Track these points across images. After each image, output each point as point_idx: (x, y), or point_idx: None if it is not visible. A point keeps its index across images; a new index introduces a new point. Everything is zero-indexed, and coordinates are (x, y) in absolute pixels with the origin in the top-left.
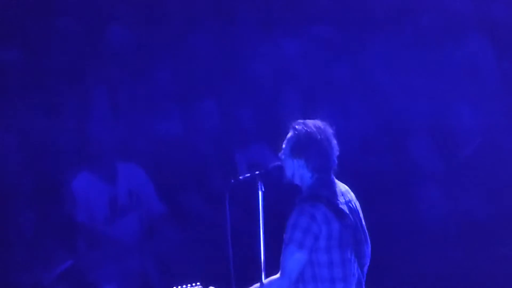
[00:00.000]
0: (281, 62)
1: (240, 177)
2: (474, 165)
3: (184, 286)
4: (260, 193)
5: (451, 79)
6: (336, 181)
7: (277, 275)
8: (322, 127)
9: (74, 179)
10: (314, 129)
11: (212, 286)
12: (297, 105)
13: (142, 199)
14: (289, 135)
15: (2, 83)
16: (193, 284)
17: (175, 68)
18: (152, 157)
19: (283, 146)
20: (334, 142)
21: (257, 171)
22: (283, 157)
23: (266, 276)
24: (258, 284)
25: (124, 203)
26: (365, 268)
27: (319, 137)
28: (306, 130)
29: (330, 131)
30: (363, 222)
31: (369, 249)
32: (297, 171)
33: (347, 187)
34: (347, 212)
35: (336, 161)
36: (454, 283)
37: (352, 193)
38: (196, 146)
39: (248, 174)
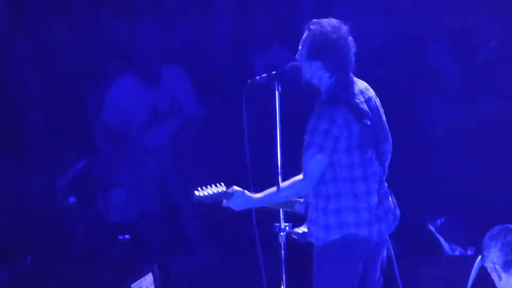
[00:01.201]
0: None
1: (257, 78)
2: (490, 69)
3: (208, 186)
4: (276, 93)
5: None
6: (355, 79)
7: (299, 176)
8: (337, 25)
9: (113, 81)
10: (329, 28)
11: (236, 186)
12: (313, 7)
13: (184, 105)
14: (304, 35)
15: None
16: (217, 185)
17: None
18: (169, 60)
19: (299, 47)
20: (350, 39)
21: (273, 71)
22: (300, 59)
23: (283, 178)
24: (275, 188)
25: (165, 110)
26: (386, 164)
27: (334, 36)
28: (321, 30)
29: (345, 28)
30: (384, 119)
31: (390, 145)
32: (315, 73)
33: (366, 84)
34: (367, 110)
35: (354, 59)
36: (470, 185)
37: (372, 90)
38: (213, 48)
39: (264, 75)
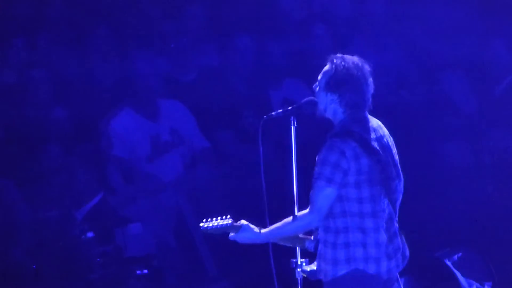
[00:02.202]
0: None
1: (273, 113)
2: (507, 102)
3: (214, 218)
4: (292, 128)
5: (486, 13)
6: (369, 116)
7: (307, 210)
8: (360, 64)
9: (115, 115)
10: (352, 65)
11: (244, 220)
12: (330, 40)
13: (184, 137)
14: (326, 68)
15: (43, 18)
16: (223, 217)
17: (210, 3)
18: (187, 92)
19: (319, 78)
20: (370, 80)
21: (289, 106)
22: (317, 89)
23: (299, 210)
24: (290, 218)
25: (165, 141)
26: (397, 204)
27: (356, 73)
28: (344, 65)
29: (367, 68)
30: (396, 158)
31: (401, 184)
32: (330, 106)
33: (380, 123)
34: (378, 148)
35: (371, 99)
36: (487, 219)
37: (385, 129)
38: (230, 82)
39: (281, 110)
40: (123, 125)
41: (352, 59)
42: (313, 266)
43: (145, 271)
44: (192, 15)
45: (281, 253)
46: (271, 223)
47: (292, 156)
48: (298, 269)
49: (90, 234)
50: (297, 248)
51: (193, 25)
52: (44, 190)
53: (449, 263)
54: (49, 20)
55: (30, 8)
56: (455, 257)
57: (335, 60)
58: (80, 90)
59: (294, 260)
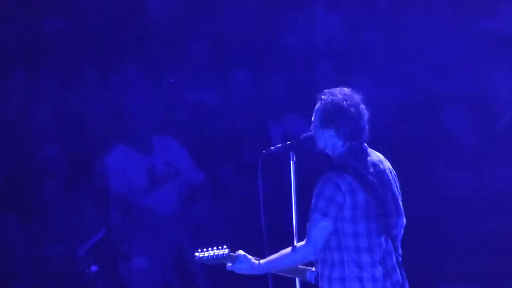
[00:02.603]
0: (315, 31)
1: (272, 148)
2: (507, 136)
3: (210, 249)
4: (291, 163)
5: (487, 47)
6: (370, 150)
7: (303, 242)
8: (349, 93)
9: (109, 151)
10: (340, 97)
11: (241, 251)
12: (330, 74)
13: (179, 170)
14: (317, 106)
15: (37, 54)
16: (220, 248)
17: (209, 38)
18: (186, 128)
19: (313, 117)
20: (362, 107)
21: (289, 141)
22: (313, 129)
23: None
24: (288, 249)
25: (161, 174)
26: (398, 239)
27: (345, 103)
28: (332, 99)
29: (357, 97)
30: (397, 193)
31: (402, 219)
32: (329, 141)
33: (381, 157)
34: (376, 182)
35: (367, 127)
36: (488, 253)
37: (386, 163)
38: (230, 117)
39: (280, 145)
40: (119, 160)
41: (340, 91)
42: None
43: None
44: (192, 51)
45: (281, 286)
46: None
47: (292, 191)
48: None
49: (94, 268)
50: (297, 279)
51: (193, 60)
52: (46, 226)
53: None
54: (45, 56)
55: (28, 45)
56: None
57: (323, 96)
58: (79, 126)
59: None
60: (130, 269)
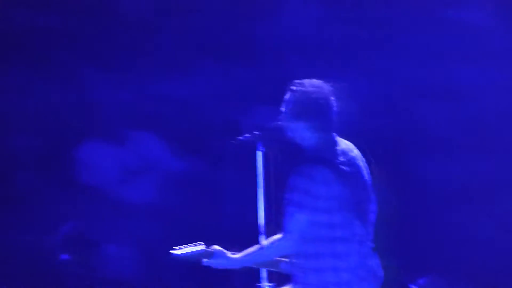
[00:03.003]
0: (284, 22)
1: (240, 138)
2: (477, 128)
3: (186, 246)
4: (259, 153)
5: (457, 39)
6: (339, 139)
7: (279, 235)
8: (320, 85)
9: (82, 143)
10: (311, 89)
11: (215, 245)
12: (299, 66)
13: (153, 162)
14: (287, 97)
15: (8, 47)
16: (196, 244)
17: (177, 30)
18: (155, 120)
19: (282, 108)
20: (332, 99)
21: (257, 131)
22: (283, 120)
23: (266, 235)
24: (255, 247)
25: (135, 166)
26: (371, 225)
27: (316, 96)
28: (303, 90)
29: (328, 88)
30: (368, 179)
31: (374, 205)
32: (299, 133)
33: (350, 145)
34: (349, 171)
35: (337, 118)
36: (456, 245)
37: (356, 151)
38: (199, 108)
39: (248, 135)
40: (91, 153)
41: (311, 82)
42: None
43: None
44: (160, 42)
45: (248, 276)
46: (240, 248)
47: (260, 180)
48: None
49: (65, 257)
50: (264, 271)
51: (161, 52)
52: (16, 216)
53: None
54: (16, 49)
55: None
56: (421, 281)
57: (294, 88)
58: (51, 118)
59: (259, 284)
60: (101, 258)
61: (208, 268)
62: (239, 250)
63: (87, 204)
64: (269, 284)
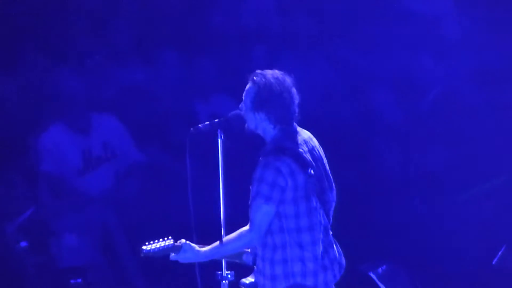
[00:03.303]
0: (245, 11)
1: (200, 126)
2: (433, 116)
3: (156, 241)
4: (219, 141)
5: (413, 27)
6: (299, 128)
7: (246, 228)
8: (281, 77)
9: (45, 130)
10: (273, 81)
11: (184, 240)
12: (260, 55)
13: (117, 150)
14: (248, 86)
15: None
16: (164, 239)
17: (136, 17)
18: (113, 107)
19: (243, 98)
20: (294, 90)
21: (216, 119)
22: (243, 109)
23: (226, 228)
24: (217, 242)
25: (98, 155)
26: (331, 213)
27: (278, 88)
28: (265, 82)
29: (289, 80)
30: (327, 168)
31: (334, 194)
32: (259, 124)
33: (309, 134)
34: (311, 160)
35: (297, 110)
36: (411, 233)
37: (315, 140)
38: (158, 96)
39: (208, 122)
40: (54, 139)
41: (273, 74)
42: (252, 279)
43: (79, 280)
44: (119, 29)
45: (207, 265)
46: (199, 239)
47: (219, 170)
48: (224, 281)
49: (23, 244)
50: (223, 260)
51: (119, 39)
52: None
53: (373, 276)
54: None
55: None
56: (379, 270)
57: (255, 78)
58: (11, 106)
59: (219, 272)
60: (60, 246)
61: (162, 257)
62: (199, 241)
63: (45, 191)
64: (228, 272)
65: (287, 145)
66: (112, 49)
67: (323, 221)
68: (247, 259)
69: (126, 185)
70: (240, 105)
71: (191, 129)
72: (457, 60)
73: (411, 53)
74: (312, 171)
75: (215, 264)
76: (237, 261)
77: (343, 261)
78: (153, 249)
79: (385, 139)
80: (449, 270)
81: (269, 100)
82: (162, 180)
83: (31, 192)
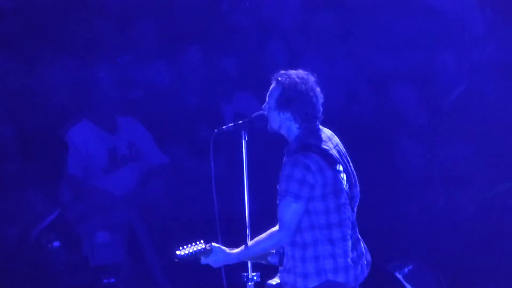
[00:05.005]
0: (267, 9)
1: (224, 127)
2: (456, 114)
3: (188, 245)
4: (243, 142)
5: (434, 26)
6: (321, 127)
7: (276, 228)
8: (305, 77)
9: (71, 128)
10: (298, 80)
11: (214, 243)
12: (281, 53)
13: (141, 151)
14: (272, 87)
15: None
16: (197, 242)
17: (159, 17)
18: (138, 107)
19: (267, 98)
20: (318, 90)
21: (240, 120)
22: (267, 109)
23: (251, 229)
24: (264, 235)
25: (124, 154)
26: (355, 209)
27: (304, 87)
28: (290, 82)
29: (313, 79)
30: (351, 164)
31: (358, 190)
32: (284, 123)
33: (331, 132)
34: (337, 156)
35: (321, 109)
36: (434, 230)
37: (336, 138)
38: (181, 96)
39: (231, 124)
40: (81, 135)
41: (297, 74)
42: (277, 280)
43: (112, 279)
44: (142, 29)
45: (233, 266)
46: (223, 238)
47: (244, 169)
48: (249, 283)
49: (56, 244)
50: (248, 262)
51: (144, 39)
52: (1, 207)
53: (399, 276)
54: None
55: None
56: (406, 270)
57: (280, 78)
58: (35, 106)
59: (245, 274)
60: (93, 243)
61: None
62: (224, 242)
63: (69, 192)
64: (254, 273)
65: (312, 141)
66: (137, 49)
67: (351, 217)
68: (272, 259)
69: (151, 186)
70: (263, 106)
71: (215, 130)
72: (480, 56)
73: (434, 50)
74: (340, 167)
75: (240, 265)
76: (263, 262)
77: (369, 257)
78: (186, 253)
79: (408, 137)
80: (474, 268)
81: (295, 99)
82: (186, 179)
83: (57, 193)
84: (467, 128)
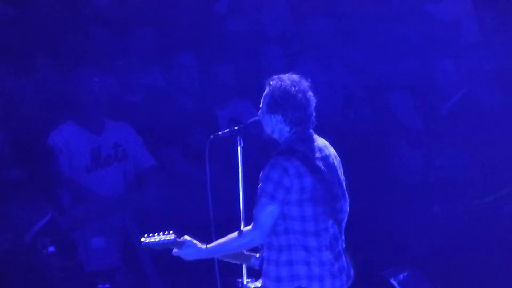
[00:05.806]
0: (262, 16)
1: (219, 133)
2: (452, 120)
3: (156, 234)
4: (239, 148)
5: (432, 33)
6: (315, 136)
7: (250, 227)
8: (297, 80)
9: (56, 128)
10: (289, 83)
11: (187, 236)
12: (278, 60)
13: (128, 153)
14: (265, 91)
15: None
16: (166, 233)
17: (155, 23)
18: (133, 111)
19: (260, 104)
20: (310, 93)
21: (236, 126)
22: (261, 114)
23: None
24: (234, 233)
25: (108, 154)
26: (343, 224)
27: (294, 89)
28: (281, 85)
29: (305, 83)
30: (342, 178)
31: (347, 204)
32: (276, 127)
33: (326, 142)
34: (323, 167)
35: (314, 113)
36: (429, 236)
37: (331, 148)
38: (177, 101)
39: (227, 130)
40: (62, 137)
41: (289, 77)
42: (258, 284)
43: (107, 285)
44: (138, 35)
45: (228, 272)
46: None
47: (239, 175)
48: None
49: (51, 249)
50: (244, 267)
51: (140, 44)
52: None
53: (394, 283)
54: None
55: None
56: (401, 276)
57: (271, 82)
58: (30, 112)
59: (240, 280)
60: (88, 248)
61: (181, 261)
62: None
63: (65, 195)
64: (249, 279)
65: (298, 147)
66: (131, 54)
67: (331, 230)
68: (255, 263)
69: (146, 191)
70: (259, 112)
71: (211, 136)
72: (477, 63)
73: (430, 57)
74: (323, 177)
75: (236, 271)
76: (245, 264)
77: (352, 272)
78: (151, 241)
79: (405, 144)
80: (469, 275)
81: (284, 101)
82: (181, 184)
83: (48, 197)
84: (463, 135)
